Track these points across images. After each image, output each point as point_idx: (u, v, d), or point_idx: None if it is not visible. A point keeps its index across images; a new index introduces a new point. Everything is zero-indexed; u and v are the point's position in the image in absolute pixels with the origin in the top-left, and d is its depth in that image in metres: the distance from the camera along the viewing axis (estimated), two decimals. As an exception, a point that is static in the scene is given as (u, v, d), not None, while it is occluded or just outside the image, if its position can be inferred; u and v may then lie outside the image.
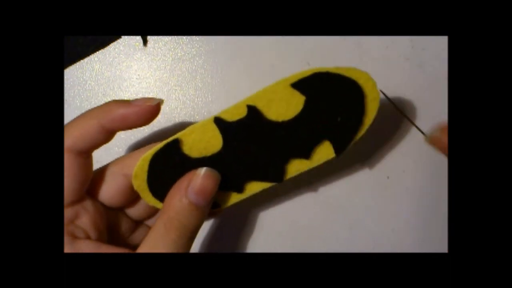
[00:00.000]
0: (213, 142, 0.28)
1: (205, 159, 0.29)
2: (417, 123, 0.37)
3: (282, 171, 0.29)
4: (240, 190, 0.29)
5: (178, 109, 0.38)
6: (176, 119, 0.38)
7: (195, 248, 0.38)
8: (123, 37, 0.38)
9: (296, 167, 0.29)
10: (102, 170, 0.30)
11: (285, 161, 0.29)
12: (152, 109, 0.28)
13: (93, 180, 0.30)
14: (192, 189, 0.27)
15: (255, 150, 0.29)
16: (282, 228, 0.38)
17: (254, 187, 0.29)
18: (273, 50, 0.38)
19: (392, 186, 0.37)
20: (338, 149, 0.29)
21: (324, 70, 0.28)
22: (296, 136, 0.28)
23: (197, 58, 0.38)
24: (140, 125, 0.29)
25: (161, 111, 0.38)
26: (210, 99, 0.38)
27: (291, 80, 0.28)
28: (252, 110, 0.28)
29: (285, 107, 0.28)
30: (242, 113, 0.28)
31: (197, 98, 0.38)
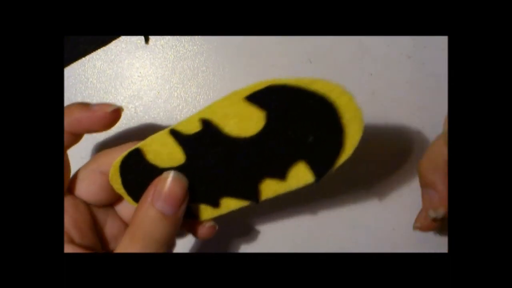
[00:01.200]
0: (175, 155, 0.27)
1: (172, 169, 0.27)
2: (418, 122, 0.37)
3: (255, 190, 0.27)
4: (215, 204, 0.28)
5: (180, 106, 0.38)
6: (178, 117, 0.38)
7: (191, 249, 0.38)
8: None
9: (272, 188, 0.27)
10: (81, 169, 0.30)
11: (257, 180, 0.27)
12: (109, 115, 0.28)
13: (73, 179, 0.30)
14: (158, 195, 0.26)
15: (219, 165, 0.27)
16: (281, 228, 0.38)
17: (230, 204, 0.28)
18: (274, 48, 0.38)
19: (392, 186, 0.37)
20: (317, 173, 0.26)
21: (280, 83, 0.24)
22: (263, 154, 0.26)
23: (199, 56, 0.38)
24: (99, 130, 0.28)
25: (163, 108, 0.38)
26: (211, 96, 0.38)
27: (244, 93, 0.25)
28: (206, 124, 0.26)
29: (245, 122, 0.25)
30: (197, 127, 0.26)
31: (199, 96, 0.38)
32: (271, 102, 0.25)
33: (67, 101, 0.38)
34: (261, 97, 0.25)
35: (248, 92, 0.25)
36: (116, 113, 0.28)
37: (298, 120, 0.25)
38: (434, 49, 0.37)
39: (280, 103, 0.25)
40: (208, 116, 0.26)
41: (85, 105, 0.28)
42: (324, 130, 0.25)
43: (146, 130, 0.38)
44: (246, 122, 0.25)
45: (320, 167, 0.26)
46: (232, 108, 0.25)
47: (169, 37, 0.38)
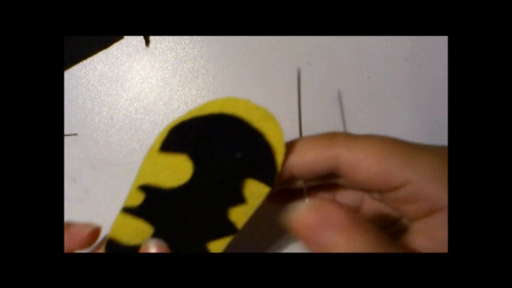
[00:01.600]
0: (142, 228, 0.27)
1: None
2: (418, 122, 0.37)
3: (229, 223, 0.27)
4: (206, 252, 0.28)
5: (180, 109, 0.38)
6: (178, 119, 0.38)
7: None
8: (125, 37, 0.39)
9: (241, 214, 0.26)
10: None
11: (223, 213, 0.26)
12: (86, 237, 0.28)
13: None
14: None
15: (183, 218, 0.26)
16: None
17: (217, 246, 0.27)
18: (274, 50, 0.38)
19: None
20: (266, 181, 0.25)
21: (177, 122, 0.25)
22: (210, 189, 0.26)
23: (199, 59, 0.39)
24: (80, 249, 0.28)
25: (164, 111, 0.38)
26: (212, 99, 0.38)
27: (156, 146, 0.25)
28: (147, 189, 0.26)
29: (175, 171, 0.25)
30: (141, 195, 0.26)
31: (199, 98, 0.39)
32: (181, 143, 0.25)
33: (69, 104, 0.38)
34: (170, 144, 0.25)
35: (158, 144, 0.25)
36: (94, 234, 0.28)
37: (215, 145, 0.25)
38: (431, 51, 0.37)
39: (189, 140, 0.25)
40: (142, 181, 0.26)
41: (65, 227, 0.28)
42: (242, 141, 0.25)
43: (147, 133, 0.38)
44: (176, 171, 0.25)
45: (265, 174, 0.25)
46: (156, 164, 0.25)
47: (169, 40, 0.39)
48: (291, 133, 0.37)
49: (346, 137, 0.26)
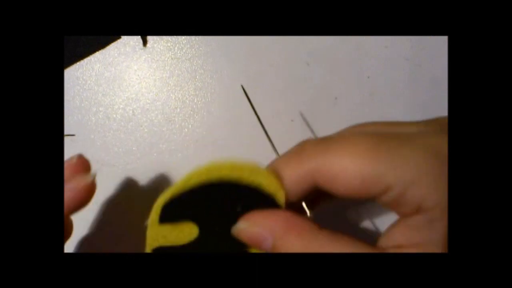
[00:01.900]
0: None
1: None
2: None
3: None
4: None
5: (178, 109, 0.38)
6: (176, 119, 0.38)
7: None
8: (123, 37, 0.38)
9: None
10: None
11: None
12: (88, 187, 0.26)
13: None
14: None
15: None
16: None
17: None
18: (272, 50, 0.38)
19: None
20: None
21: (166, 200, 0.25)
22: (223, 239, 0.26)
23: (196, 58, 0.38)
24: (79, 207, 0.27)
25: (161, 111, 0.38)
26: (209, 99, 0.38)
27: (155, 221, 0.26)
28: (160, 250, 0.26)
29: (182, 232, 0.26)
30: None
31: (197, 98, 0.38)
32: (178, 214, 0.25)
33: (66, 104, 0.38)
34: (167, 218, 0.25)
35: (156, 219, 0.25)
36: (94, 184, 0.27)
37: (213, 208, 0.25)
38: (431, 51, 0.37)
39: (185, 210, 0.25)
40: (154, 246, 0.26)
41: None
42: (239, 196, 0.25)
43: (144, 133, 0.38)
44: (183, 231, 0.26)
45: None
46: (161, 232, 0.26)
47: (166, 39, 0.39)
48: (290, 134, 0.37)
49: (315, 145, 0.24)
